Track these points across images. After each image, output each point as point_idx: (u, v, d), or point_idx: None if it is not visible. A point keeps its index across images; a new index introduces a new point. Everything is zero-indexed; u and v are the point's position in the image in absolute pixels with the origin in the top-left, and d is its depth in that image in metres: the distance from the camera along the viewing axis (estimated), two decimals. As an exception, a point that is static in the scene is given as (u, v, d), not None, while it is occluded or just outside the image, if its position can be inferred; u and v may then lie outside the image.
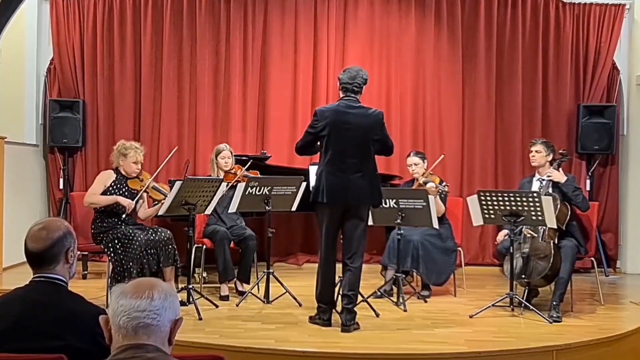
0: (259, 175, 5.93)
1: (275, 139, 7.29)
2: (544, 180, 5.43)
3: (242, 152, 6.80)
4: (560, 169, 5.46)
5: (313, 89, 7.40)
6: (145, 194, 5.47)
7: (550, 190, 5.33)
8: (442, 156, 6.10)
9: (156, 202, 5.49)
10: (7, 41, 6.56)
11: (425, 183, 5.79)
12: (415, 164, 5.95)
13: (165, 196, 5.31)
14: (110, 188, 5.36)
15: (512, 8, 7.43)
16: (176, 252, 5.32)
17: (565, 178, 5.35)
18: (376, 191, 4.68)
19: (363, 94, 4.75)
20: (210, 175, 5.98)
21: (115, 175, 5.41)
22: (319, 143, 4.72)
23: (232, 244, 5.78)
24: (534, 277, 5.14)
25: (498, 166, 7.51)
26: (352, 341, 4.42)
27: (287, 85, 7.40)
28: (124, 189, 5.38)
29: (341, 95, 4.72)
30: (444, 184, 5.87)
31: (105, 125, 7.29)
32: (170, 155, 5.71)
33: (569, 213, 5.25)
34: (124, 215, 5.25)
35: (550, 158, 5.49)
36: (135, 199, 5.34)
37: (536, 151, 5.52)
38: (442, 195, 5.76)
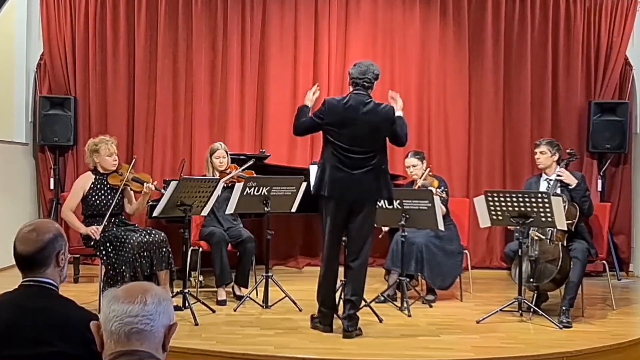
0: (254, 176, 5.91)
1: (275, 137, 7.29)
2: (551, 180, 5.42)
3: (240, 151, 6.80)
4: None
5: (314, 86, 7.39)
6: (128, 188, 5.45)
7: (558, 190, 5.33)
8: (428, 169, 6.01)
9: (152, 202, 5.48)
10: (-5, 36, 6.58)
11: (424, 186, 5.77)
12: (414, 166, 5.94)
13: (142, 184, 5.31)
14: (91, 191, 5.33)
15: (520, 1, 7.43)
16: (171, 254, 5.31)
17: (576, 181, 5.34)
18: (384, 185, 4.65)
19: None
20: (205, 175, 5.98)
21: (94, 176, 5.39)
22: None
23: (229, 247, 5.78)
24: (542, 281, 5.14)
25: (506, 165, 7.51)
26: (354, 347, 4.42)
27: (287, 81, 7.40)
28: (105, 188, 5.36)
29: (351, 89, 4.71)
30: (442, 188, 5.84)
31: (98, 123, 7.29)
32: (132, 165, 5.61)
33: (578, 214, 5.25)
34: (92, 243, 5.22)
35: (556, 158, 5.48)
36: (116, 197, 5.30)
37: (541, 152, 5.49)
38: (441, 201, 5.74)
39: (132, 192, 5.52)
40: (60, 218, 5.93)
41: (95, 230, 5.17)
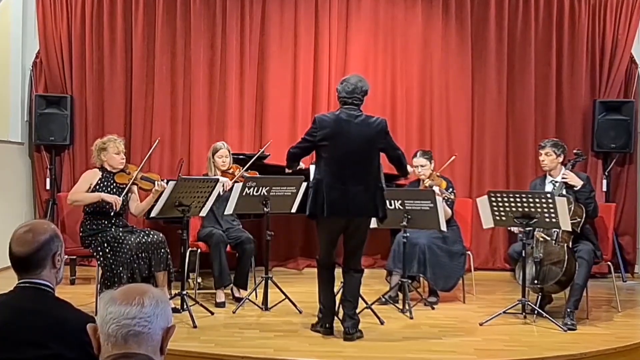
0: (258, 175, 5.92)
1: (274, 136, 7.27)
2: (557, 182, 5.42)
3: (239, 151, 6.80)
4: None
5: (314, 84, 7.40)
6: (135, 187, 5.46)
7: (563, 191, 5.32)
8: (454, 157, 6.05)
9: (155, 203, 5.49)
10: (-10, 33, 6.57)
11: (430, 187, 5.76)
12: (422, 166, 5.92)
13: (153, 183, 5.31)
14: (97, 186, 5.35)
15: (524, -2, 7.44)
16: (169, 256, 5.31)
17: (582, 183, 5.33)
18: (380, 204, 4.69)
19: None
20: (206, 175, 5.98)
21: (101, 173, 5.41)
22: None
23: (228, 248, 5.78)
24: (547, 283, 5.14)
25: (509, 165, 7.50)
26: (355, 350, 4.42)
27: (287, 80, 7.40)
28: (111, 186, 5.37)
29: (340, 106, 4.74)
30: (451, 190, 5.84)
31: (95, 122, 7.28)
32: (153, 147, 5.73)
33: (584, 215, 5.24)
34: (112, 213, 5.22)
35: (561, 159, 5.47)
36: (124, 193, 5.32)
37: (546, 154, 5.48)
38: (448, 203, 5.74)
39: (137, 193, 5.53)
40: (61, 209, 5.92)
41: (117, 201, 5.21)
